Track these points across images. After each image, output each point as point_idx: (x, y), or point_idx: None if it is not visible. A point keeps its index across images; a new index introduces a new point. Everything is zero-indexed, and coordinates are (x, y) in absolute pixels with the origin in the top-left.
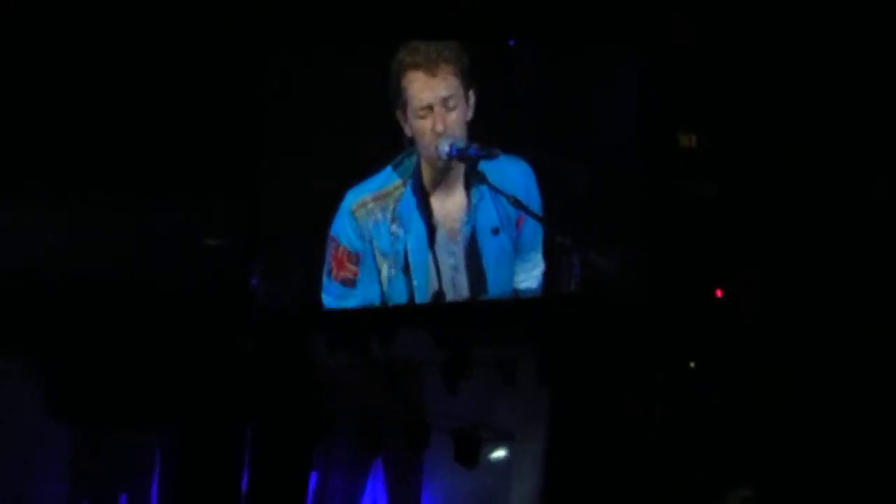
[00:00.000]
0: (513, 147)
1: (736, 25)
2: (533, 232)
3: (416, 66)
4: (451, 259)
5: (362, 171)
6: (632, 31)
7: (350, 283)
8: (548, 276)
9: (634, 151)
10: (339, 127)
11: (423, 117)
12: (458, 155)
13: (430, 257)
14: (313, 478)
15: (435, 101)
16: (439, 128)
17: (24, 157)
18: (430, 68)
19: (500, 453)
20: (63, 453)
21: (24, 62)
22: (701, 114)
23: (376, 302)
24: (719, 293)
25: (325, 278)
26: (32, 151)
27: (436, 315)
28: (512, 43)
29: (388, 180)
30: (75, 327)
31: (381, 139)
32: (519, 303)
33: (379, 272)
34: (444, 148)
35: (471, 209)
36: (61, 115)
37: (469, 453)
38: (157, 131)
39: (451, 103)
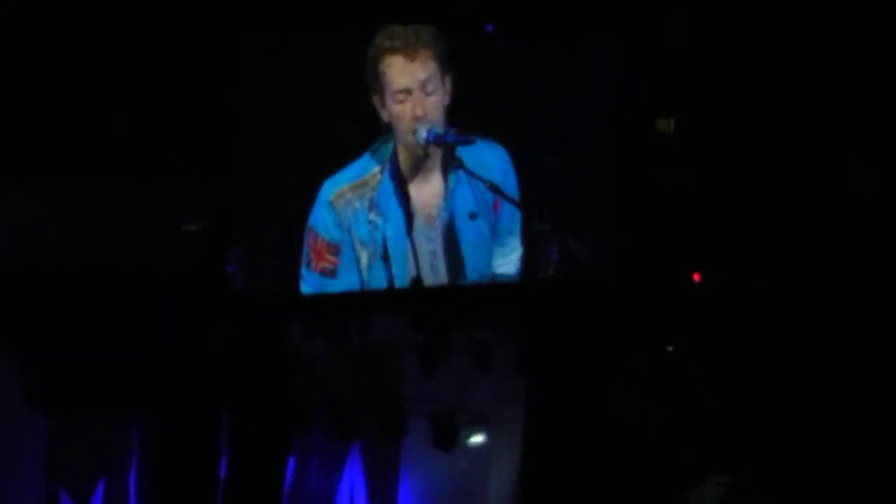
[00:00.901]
0: (489, 132)
1: (713, 11)
2: (510, 216)
3: (395, 51)
4: (430, 245)
5: (339, 158)
6: (609, 17)
7: (330, 274)
8: (526, 261)
9: (612, 137)
10: (315, 114)
11: (401, 101)
12: (435, 140)
13: (408, 244)
14: (291, 463)
15: (414, 84)
16: (418, 112)
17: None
18: (409, 52)
19: (477, 437)
20: (41, 441)
21: None
22: (678, 99)
23: (356, 290)
24: (697, 278)
25: (303, 269)
26: (6, 139)
27: (413, 300)
28: (490, 28)
29: (365, 168)
30: (51, 316)
31: (358, 127)
32: (496, 288)
33: (358, 261)
34: (422, 133)
35: (448, 194)
36: (36, 103)
37: (447, 438)
38: (134, 118)
39: (429, 87)
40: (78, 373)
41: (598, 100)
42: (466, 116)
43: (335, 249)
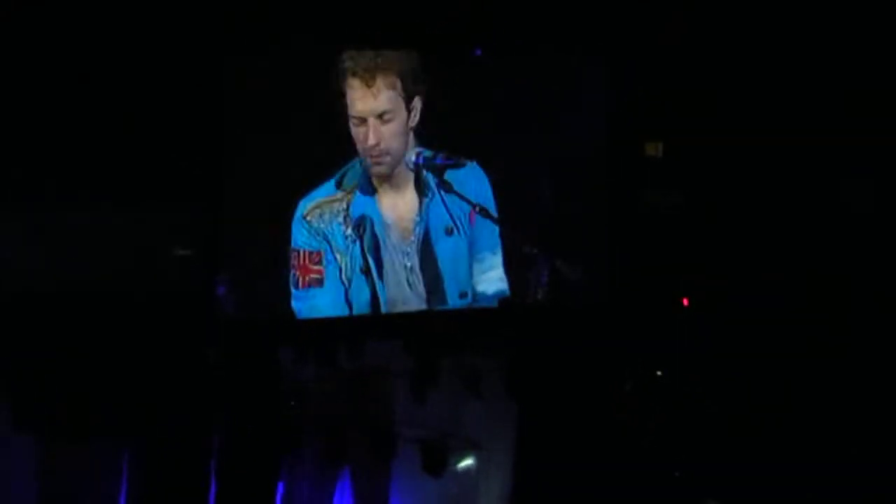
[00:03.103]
0: (464, 150)
1: (702, 33)
2: (488, 232)
3: (354, 74)
4: (407, 260)
5: (315, 176)
6: (597, 39)
7: (317, 283)
8: (514, 284)
9: (600, 160)
10: (295, 134)
11: (357, 125)
12: (425, 164)
13: (386, 258)
14: (280, 488)
15: (368, 113)
16: (371, 140)
17: None
18: (366, 79)
19: (467, 462)
20: (29, 464)
21: None
22: (666, 122)
23: (342, 300)
24: (685, 302)
25: (293, 291)
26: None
27: (402, 324)
28: (478, 53)
29: (335, 188)
30: (39, 337)
31: (334, 145)
32: (486, 312)
33: (340, 270)
34: (411, 157)
35: (422, 209)
36: (23, 125)
37: (436, 463)
38: (119, 141)
39: (386, 117)
40: (67, 395)
41: (586, 123)
42: (447, 137)
43: (318, 257)
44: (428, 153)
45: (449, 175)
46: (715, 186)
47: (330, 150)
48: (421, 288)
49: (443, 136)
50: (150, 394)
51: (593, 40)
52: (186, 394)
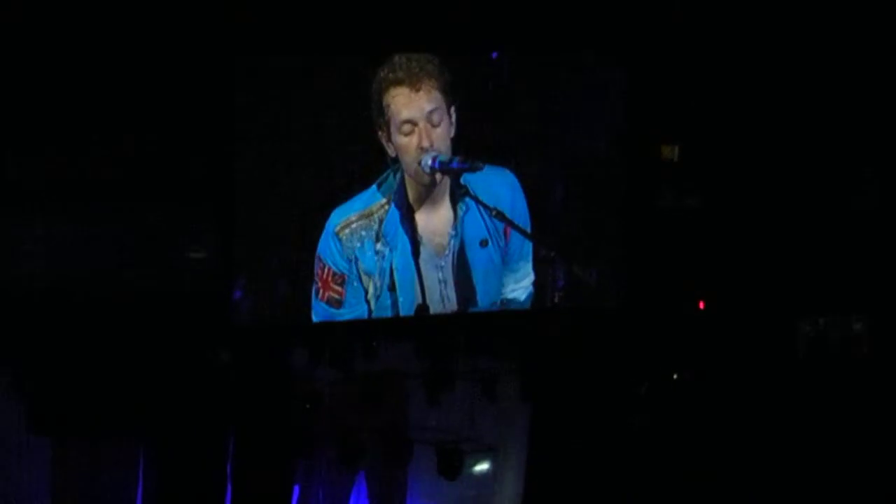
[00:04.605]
0: (498, 158)
1: (719, 40)
2: (521, 241)
3: (399, 82)
4: (439, 273)
5: (345, 189)
6: (616, 45)
7: (336, 304)
8: (536, 287)
9: (618, 163)
10: (322, 145)
11: (406, 133)
12: (441, 168)
13: (415, 273)
14: (296, 491)
15: (419, 116)
16: (424, 143)
17: (5, 170)
18: (414, 83)
19: (482, 465)
20: (46, 466)
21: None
22: (683, 126)
23: (362, 318)
24: (702, 305)
25: (313, 298)
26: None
27: (418, 329)
28: (495, 56)
29: (372, 199)
30: (57, 340)
31: (365, 157)
32: (501, 316)
33: (365, 292)
34: (427, 161)
35: (457, 222)
36: (44, 128)
37: (452, 466)
38: (141, 143)
39: (435, 118)
40: (84, 399)
41: (604, 127)
42: (473, 143)
43: (340, 280)
44: (444, 157)
45: (468, 178)
46: (731, 190)
47: (360, 160)
48: (454, 300)
49: (470, 141)
50: (167, 398)
51: (612, 47)
52: (203, 398)
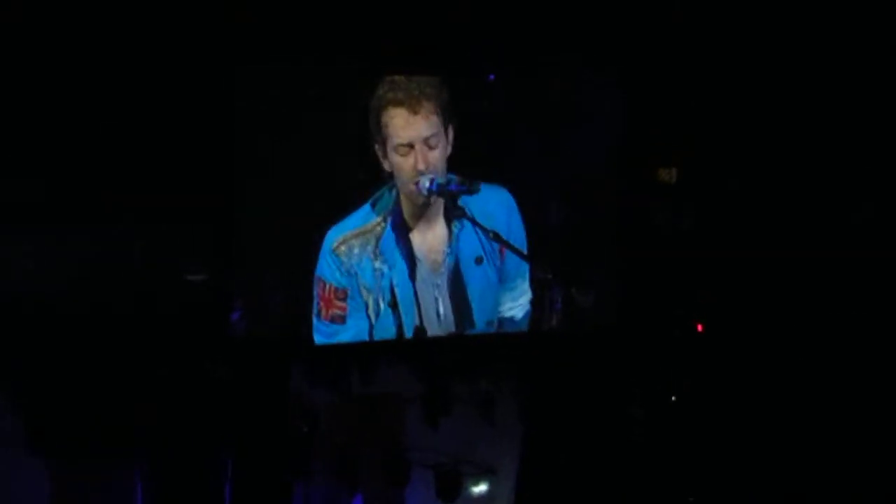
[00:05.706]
0: (493, 177)
1: (715, 60)
2: (517, 260)
3: (398, 103)
4: (436, 291)
5: (341, 207)
6: (613, 68)
7: (340, 320)
8: (533, 308)
9: (614, 186)
10: (317, 162)
11: (403, 155)
12: (438, 190)
13: (416, 291)
14: None
15: (416, 139)
16: (420, 166)
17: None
18: (412, 105)
19: (480, 488)
20: (43, 486)
21: None
22: (679, 148)
23: (365, 336)
24: (700, 328)
25: (314, 320)
26: (12, 179)
27: (417, 350)
28: (492, 78)
29: (367, 217)
30: (54, 357)
31: (360, 174)
32: (499, 338)
33: (366, 305)
34: (425, 184)
35: (452, 240)
36: (41, 145)
37: (450, 488)
38: (137, 161)
39: (432, 142)
40: (80, 418)
41: (600, 148)
42: (468, 162)
43: (343, 294)
44: (441, 179)
45: (463, 201)
46: (728, 212)
47: (354, 178)
48: (450, 318)
49: (467, 164)
50: (165, 416)
51: (607, 66)
52: (201, 417)
